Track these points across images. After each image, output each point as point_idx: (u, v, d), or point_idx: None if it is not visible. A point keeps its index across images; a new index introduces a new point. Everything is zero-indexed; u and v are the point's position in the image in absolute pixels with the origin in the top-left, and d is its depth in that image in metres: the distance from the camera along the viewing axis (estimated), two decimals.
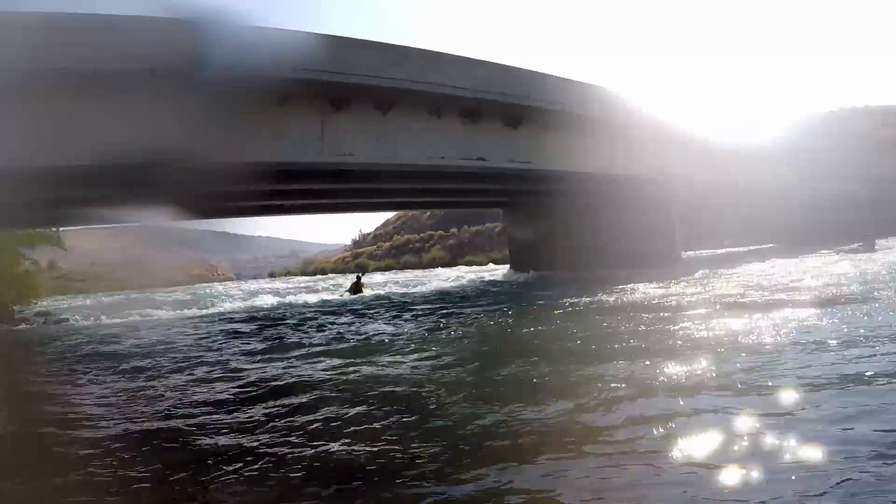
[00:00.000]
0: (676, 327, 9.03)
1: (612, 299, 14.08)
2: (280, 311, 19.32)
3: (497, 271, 36.74)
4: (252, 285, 48.50)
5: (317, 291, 28.77)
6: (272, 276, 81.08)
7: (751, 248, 44.49)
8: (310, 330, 12.96)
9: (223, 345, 11.50)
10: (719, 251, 45.13)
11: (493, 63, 19.29)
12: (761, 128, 37.41)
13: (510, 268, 33.27)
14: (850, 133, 70.54)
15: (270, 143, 14.98)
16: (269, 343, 11.22)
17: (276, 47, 13.35)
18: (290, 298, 24.06)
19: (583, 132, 21.82)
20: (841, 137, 65.39)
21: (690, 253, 40.40)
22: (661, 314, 10.62)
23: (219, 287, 48.88)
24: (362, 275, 30.21)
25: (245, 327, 14.71)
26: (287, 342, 11.14)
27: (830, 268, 18.21)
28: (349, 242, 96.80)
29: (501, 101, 18.92)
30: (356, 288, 25.13)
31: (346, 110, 16.15)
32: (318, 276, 63.12)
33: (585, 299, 14.40)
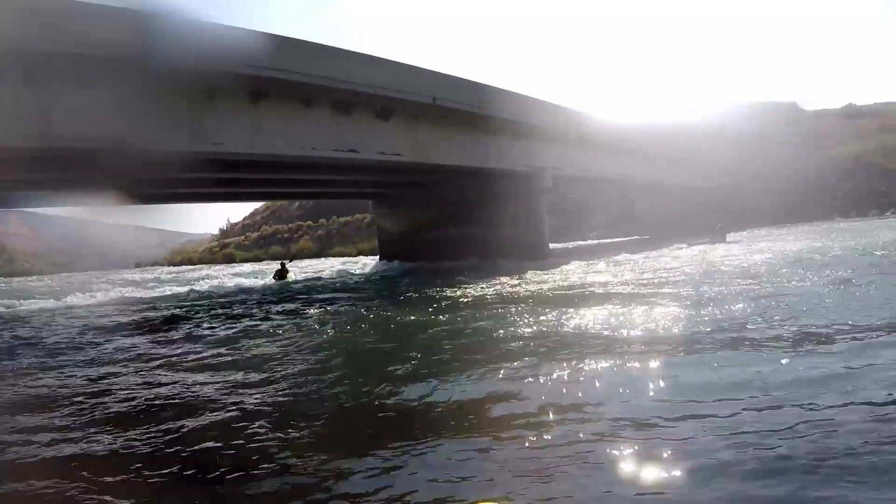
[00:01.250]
0: (517, 318, 9.93)
1: (476, 291, 14.91)
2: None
3: (366, 262, 37.11)
4: (113, 275, 46.68)
5: (189, 283, 28.27)
6: (139, 265, 78.41)
7: (617, 239, 46.82)
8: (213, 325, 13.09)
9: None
10: (588, 242, 47.24)
11: (365, 55, 19.61)
12: (639, 126, 39.60)
13: (379, 258, 33.66)
14: (721, 130, 75.65)
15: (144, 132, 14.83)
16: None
17: (153, 36, 13.41)
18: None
19: (455, 126, 22.68)
20: (713, 136, 69.85)
21: (568, 245, 42.43)
22: (513, 306, 11.55)
23: (79, 277, 46.72)
24: (288, 262, 31.16)
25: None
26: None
27: (663, 261, 20.42)
28: (216, 232, 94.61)
29: (373, 94, 19.21)
30: (281, 274, 26.47)
31: (217, 99, 16.20)
32: (186, 267, 61.42)
33: (451, 292, 15.19)
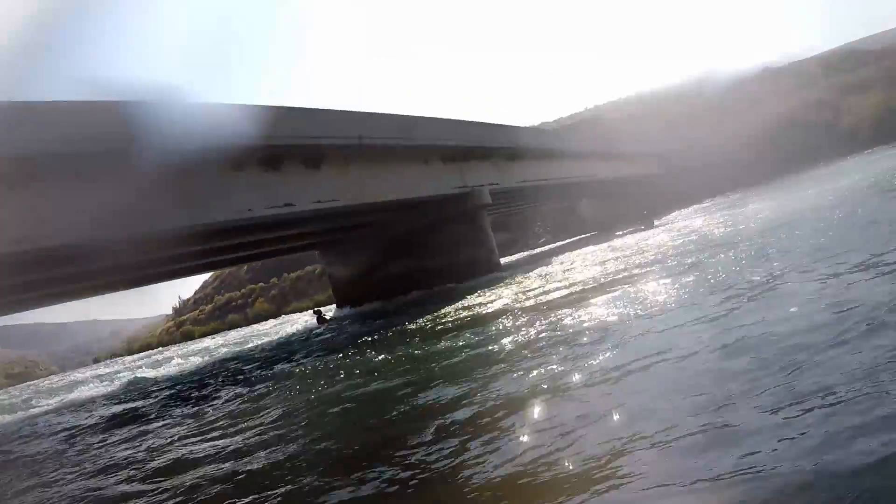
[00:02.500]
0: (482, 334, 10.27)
1: (430, 322, 15.18)
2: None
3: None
4: (78, 375, 45.76)
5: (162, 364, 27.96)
6: (97, 361, 77.01)
7: (565, 241, 47.59)
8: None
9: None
10: (537, 250, 47.87)
11: (284, 108, 19.71)
12: (568, 129, 40.85)
13: (336, 307, 33.65)
14: (644, 116, 77.99)
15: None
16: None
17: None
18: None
19: (386, 161, 23.08)
20: (635, 121, 71.96)
21: (518, 256, 43.04)
22: (467, 331, 11.89)
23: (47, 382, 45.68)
24: (321, 311, 31.05)
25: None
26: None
27: (603, 254, 21.50)
28: (170, 311, 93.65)
29: (299, 144, 19.49)
30: (321, 319, 27.66)
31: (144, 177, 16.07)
32: (145, 352, 60.40)
33: (406, 327, 15.45)
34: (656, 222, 34.02)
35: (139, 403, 14.23)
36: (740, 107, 68.25)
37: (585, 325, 8.65)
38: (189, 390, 14.61)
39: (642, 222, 34.07)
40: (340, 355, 13.02)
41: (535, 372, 6.64)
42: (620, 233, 32.12)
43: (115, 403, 15.72)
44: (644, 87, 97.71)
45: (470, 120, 28.30)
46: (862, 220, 11.69)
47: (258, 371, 14.52)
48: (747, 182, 47.24)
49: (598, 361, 6.40)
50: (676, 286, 9.71)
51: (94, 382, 26.45)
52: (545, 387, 5.99)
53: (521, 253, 49.31)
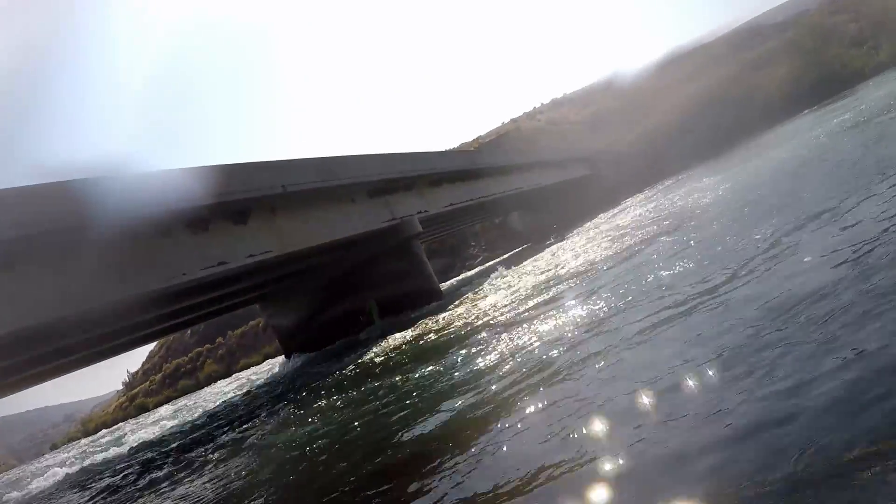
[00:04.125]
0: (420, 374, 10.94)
1: (374, 359, 15.77)
2: None
3: (272, 363, 37.10)
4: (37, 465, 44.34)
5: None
6: (55, 448, 74.61)
7: (501, 258, 48.53)
8: None
9: None
10: (475, 270, 48.75)
11: (205, 168, 19.74)
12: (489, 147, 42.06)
13: (285, 357, 33.65)
14: (562, 120, 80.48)
15: None
16: None
17: None
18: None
19: (312, 205, 23.60)
20: (555, 127, 74.16)
21: (457, 278, 43.80)
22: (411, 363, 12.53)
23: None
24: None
25: None
26: None
27: (535, 265, 22.08)
28: (121, 387, 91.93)
29: (223, 201, 19.68)
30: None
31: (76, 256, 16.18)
32: (104, 431, 59.04)
33: (351, 370, 15.99)
34: (588, 223, 35.28)
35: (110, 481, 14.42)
36: (655, 95, 70.95)
37: (530, 346, 9.30)
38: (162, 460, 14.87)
39: (561, 232, 35.49)
40: (296, 407, 13.48)
41: (496, 396, 7.30)
42: (552, 240, 33.25)
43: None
44: (557, 93, 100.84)
45: (389, 152, 28.96)
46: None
47: (224, 435, 14.85)
48: (675, 169, 49.22)
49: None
50: (606, 295, 10.55)
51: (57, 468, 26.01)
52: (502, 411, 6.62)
53: (461, 275, 50.21)
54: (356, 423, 8.80)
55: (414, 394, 9.11)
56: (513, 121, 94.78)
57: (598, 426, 4.92)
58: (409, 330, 18.86)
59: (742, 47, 68.19)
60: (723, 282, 7.53)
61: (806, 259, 6.94)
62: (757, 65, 59.76)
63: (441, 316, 19.40)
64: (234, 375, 53.27)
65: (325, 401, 12.13)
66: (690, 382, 4.94)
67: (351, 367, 16.12)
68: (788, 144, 24.00)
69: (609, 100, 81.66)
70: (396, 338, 18.20)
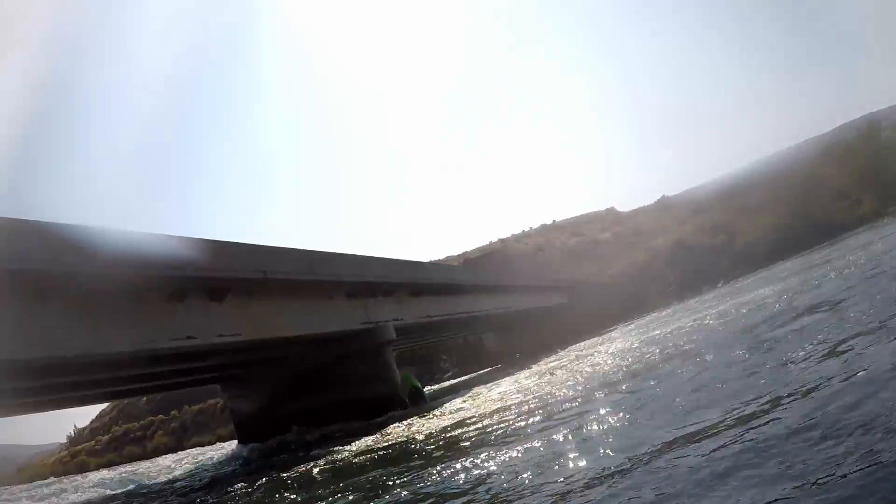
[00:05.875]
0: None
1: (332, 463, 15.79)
2: None
3: (224, 448, 36.45)
4: None
5: None
6: None
7: (471, 375, 48.72)
8: None
9: None
10: (444, 384, 48.82)
11: (193, 240, 20.17)
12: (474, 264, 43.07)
13: (238, 442, 33.06)
14: (549, 245, 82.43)
15: None
16: None
17: None
18: None
19: (290, 296, 23.91)
20: (539, 254, 76.04)
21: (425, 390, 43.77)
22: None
23: None
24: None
25: None
26: None
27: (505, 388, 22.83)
28: (64, 440, 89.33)
29: (205, 276, 19.98)
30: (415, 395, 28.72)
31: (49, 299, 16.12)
32: (37, 482, 56.89)
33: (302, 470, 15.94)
34: (560, 351, 35.94)
35: None
36: (643, 233, 73.73)
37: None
38: None
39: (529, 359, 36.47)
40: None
41: None
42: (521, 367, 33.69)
43: None
44: (548, 219, 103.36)
45: (374, 256, 29.57)
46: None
47: None
48: (647, 307, 50.42)
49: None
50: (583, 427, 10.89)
51: None
52: None
53: (428, 387, 50.08)
54: None
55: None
56: (501, 241, 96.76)
57: None
58: (370, 435, 18.87)
59: (728, 195, 70.70)
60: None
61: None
62: (741, 212, 62.06)
63: (401, 426, 19.53)
64: (182, 452, 51.92)
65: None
66: None
67: (303, 466, 16.07)
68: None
69: (597, 231, 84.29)
70: (356, 441, 18.22)
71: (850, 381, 7.18)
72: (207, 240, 21.25)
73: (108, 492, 26.46)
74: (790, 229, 50.90)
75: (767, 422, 6.80)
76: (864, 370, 7.40)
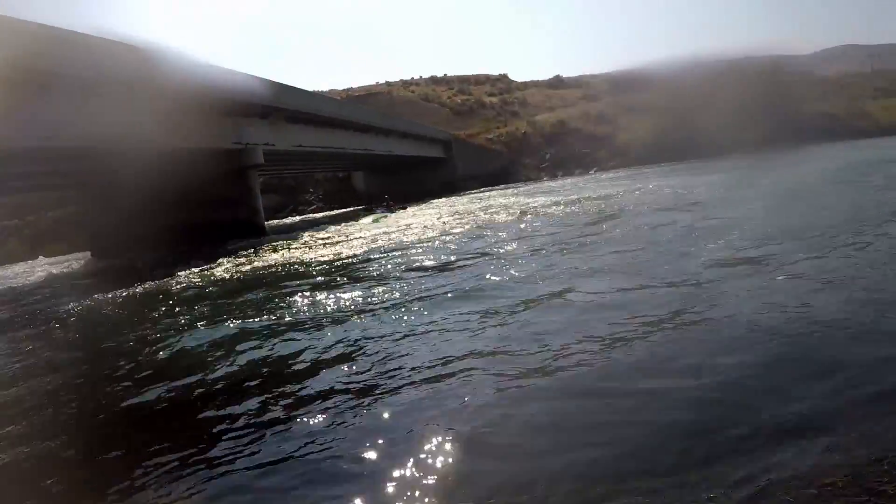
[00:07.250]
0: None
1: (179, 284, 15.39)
2: None
3: (79, 258, 34.45)
4: None
5: None
6: None
7: (337, 211, 49.39)
8: None
9: None
10: (307, 217, 49.42)
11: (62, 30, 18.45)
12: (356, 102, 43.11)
13: (91, 255, 31.80)
14: (435, 98, 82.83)
15: None
16: None
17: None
18: None
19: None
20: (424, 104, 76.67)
21: (285, 221, 44.22)
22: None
23: None
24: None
25: None
26: None
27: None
28: None
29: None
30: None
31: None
32: None
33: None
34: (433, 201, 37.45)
35: None
36: (527, 108, 75.64)
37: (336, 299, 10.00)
38: None
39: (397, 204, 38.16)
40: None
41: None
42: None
43: None
44: (440, 72, 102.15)
45: (251, 74, 28.15)
46: None
47: None
48: (519, 177, 52.60)
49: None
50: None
51: None
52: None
53: (290, 218, 50.60)
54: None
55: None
56: (388, 83, 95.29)
57: None
58: (224, 260, 18.53)
59: (621, 90, 72.24)
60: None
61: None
62: (627, 110, 64.08)
63: (259, 252, 19.67)
64: (35, 259, 49.02)
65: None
66: None
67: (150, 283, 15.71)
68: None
69: (485, 94, 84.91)
70: (212, 265, 17.79)
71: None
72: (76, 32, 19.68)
73: None
74: (668, 137, 52.58)
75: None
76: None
